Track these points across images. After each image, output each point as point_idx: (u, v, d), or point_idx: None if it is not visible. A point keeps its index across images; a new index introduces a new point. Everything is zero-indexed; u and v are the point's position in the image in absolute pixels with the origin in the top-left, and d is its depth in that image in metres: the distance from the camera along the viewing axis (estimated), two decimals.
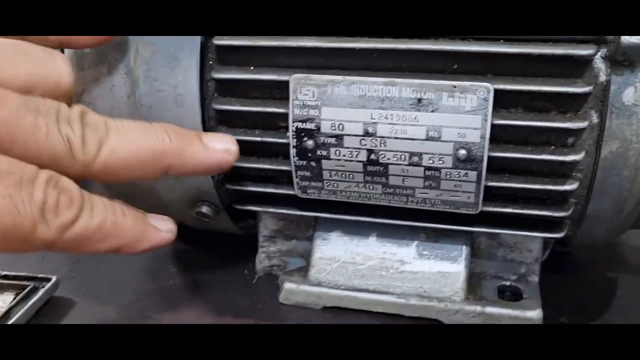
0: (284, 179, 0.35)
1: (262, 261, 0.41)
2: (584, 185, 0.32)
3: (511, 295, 0.36)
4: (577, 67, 0.30)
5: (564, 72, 0.30)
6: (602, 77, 0.30)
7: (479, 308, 0.35)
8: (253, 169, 0.35)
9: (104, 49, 0.34)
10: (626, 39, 0.28)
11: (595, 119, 0.30)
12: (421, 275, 0.36)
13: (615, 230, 0.35)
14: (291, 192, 0.35)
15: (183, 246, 0.45)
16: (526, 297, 0.36)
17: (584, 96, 0.30)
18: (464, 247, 0.36)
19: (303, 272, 0.38)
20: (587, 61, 0.30)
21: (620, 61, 0.29)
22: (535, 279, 0.37)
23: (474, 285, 0.37)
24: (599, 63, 0.30)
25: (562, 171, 0.32)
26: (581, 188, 0.32)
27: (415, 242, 0.37)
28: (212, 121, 0.34)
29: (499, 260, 0.37)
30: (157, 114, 0.33)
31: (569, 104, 0.31)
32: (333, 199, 0.35)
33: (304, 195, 0.35)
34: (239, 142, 0.34)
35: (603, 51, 0.30)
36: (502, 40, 0.30)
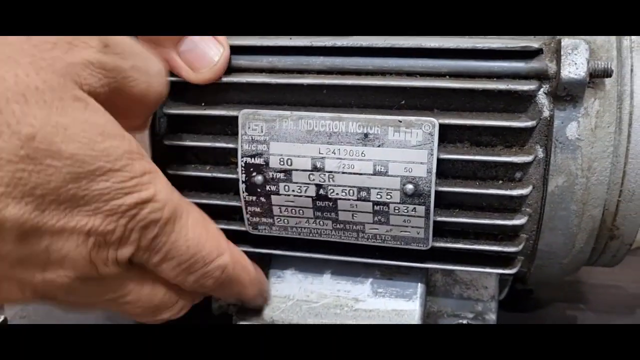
0: (236, 215, 0.35)
1: (217, 300, 0.40)
2: (534, 219, 0.32)
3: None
4: (521, 103, 0.30)
5: (509, 107, 0.31)
6: (546, 113, 0.30)
7: None
8: (204, 205, 0.35)
9: None
10: (566, 75, 0.29)
11: (540, 153, 0.31)
12: (375, 314, 0.36)
13: (569, 266, 0.34)
14: (243, 228, 0.35)
15: None
16: None
17: (528, 130, 0.30)
18: (419, 284, 0.36)
19: (257, 311, 0.37)
20: (530, 97, 0.30)
21: (562, 96, 0.29)
22: (492, 316, 0.36)
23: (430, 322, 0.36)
24: (542, 99, 0.30)
25: (510, 206, 0.32)
26: (531, 223, 0.32)
27: (370, 280, 0.36)
28: (163, 157, 0.34)
29: (455, 298, 0.37)
30: None
31: (514, 139, 0.31)
32: (285, 234, 0.34)
33: (255, 232, 0.34)
34: (190, 177, 0.34)
35: (545, 87, 0.30)
36: (447, 77, 0.31)
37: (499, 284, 0.36)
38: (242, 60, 0.33)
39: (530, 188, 0.31)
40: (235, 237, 0.36)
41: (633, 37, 0.31)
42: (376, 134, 0.30)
